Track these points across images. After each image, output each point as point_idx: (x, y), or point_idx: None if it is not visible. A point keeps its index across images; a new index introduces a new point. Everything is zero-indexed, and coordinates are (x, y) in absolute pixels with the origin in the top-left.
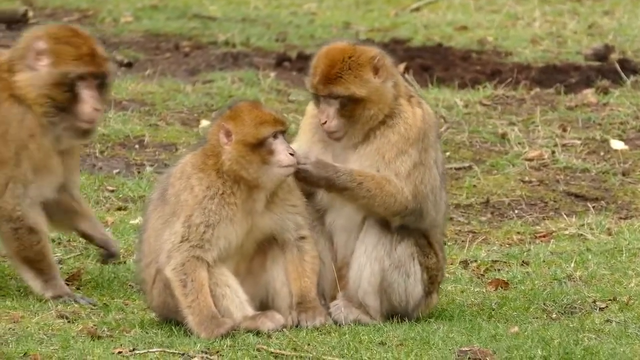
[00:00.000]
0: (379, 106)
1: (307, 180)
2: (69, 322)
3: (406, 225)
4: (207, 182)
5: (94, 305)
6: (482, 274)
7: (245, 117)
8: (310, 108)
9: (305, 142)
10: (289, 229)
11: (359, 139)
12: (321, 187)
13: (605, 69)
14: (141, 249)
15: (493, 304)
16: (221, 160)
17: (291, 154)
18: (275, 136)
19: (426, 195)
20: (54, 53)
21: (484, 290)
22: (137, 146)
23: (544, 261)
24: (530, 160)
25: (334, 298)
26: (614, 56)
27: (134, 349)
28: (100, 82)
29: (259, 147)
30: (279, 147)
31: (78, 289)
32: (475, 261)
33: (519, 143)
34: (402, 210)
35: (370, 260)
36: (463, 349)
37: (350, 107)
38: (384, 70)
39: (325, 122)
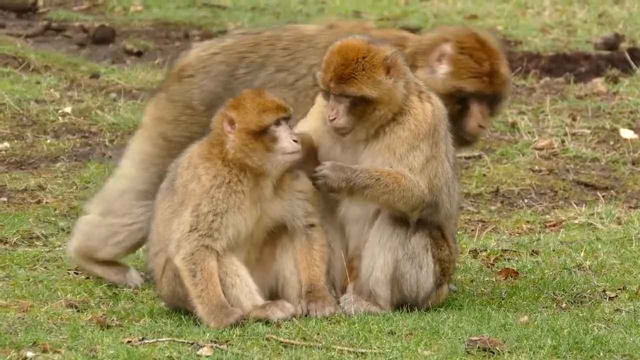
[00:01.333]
0: (389, 106)
1: (328, 186)
2: (78, 311)
3: (422, 218)
4: (214, 171)
5: None
6: (491, 263)
7: (248, 105)
8: (321, 98)
9: (313, 130)
10: (298, 215)
11: (365, 137)
12: (343, 191)
13: (615, 58)
14: (150, 238)
15: (503, 293)
16: (226, 148)
17: (295, 141)
18: (278, 123)
19: (440, 188)
20: (455, 63)
21: (494, 280)
22: None
23: (553, 250)
24: (540, 149)
25: (344, 288)
26: (624, 45)
27: (143, 339)
28: (493, 101)
29: (262, 135)
30: (283, 134)
31: (87, 278)
32: (485, 250)
33: (529, 132)
34: (419, 204)
35: (385, 250)
36: (473, 339)
37: (361, 106)
38: (396, 70)
39: (334, 118)
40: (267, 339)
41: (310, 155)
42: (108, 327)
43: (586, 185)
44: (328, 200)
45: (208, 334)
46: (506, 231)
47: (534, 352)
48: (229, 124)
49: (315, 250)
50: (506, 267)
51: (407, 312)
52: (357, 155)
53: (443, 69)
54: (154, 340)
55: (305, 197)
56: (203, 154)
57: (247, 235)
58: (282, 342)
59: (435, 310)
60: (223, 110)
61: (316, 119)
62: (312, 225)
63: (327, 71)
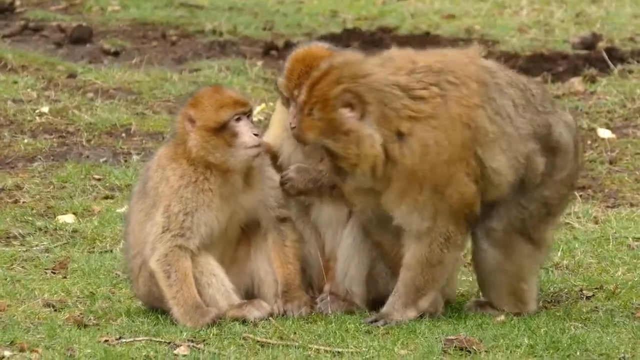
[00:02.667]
0: None
1: (295, 188)
2: (55, 310)
3: None
4: (180, 171)
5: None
6: (468, 263)
7: (206, 102)
8: (280, 104)
9: (274, 137)
10: (271, 205)
11: None
12: (311, 192)
13: (592, 57)
14: (127, 241)
15: (479, 293)
16: (188, 147)
17: (255, 134)
18: (237, 118)
19: None
20: None
21: (470, 279)
22: (124, 135)
23: None
24: None
25: (321, 289)
26: (602, 45)
27: (120, 338)
28: None
29: (222, 131)
30: (243, 128)
31: (65, 277)
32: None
33: None
34: None
35: (359, 249)
36: (449, 338)
37: None
38: None
39: (295, 127)
40: (244, 339)
41: (272, 163)
42: (85, 326)
43: None
44: (301, 203)
45: (185, 333)
46: None
47: (510, 351)
48: (189, 123)
49: (287, 247)
50: None
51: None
52: (318, 160)
53: None
54: (131, 339)
55: (275, 185)
56: (169, 155)
57: (220, 232)
58: (259, 341)
59: None
60: (183, 109)
61: (277, 126)
62: (284, 220)
63: (290, 78)
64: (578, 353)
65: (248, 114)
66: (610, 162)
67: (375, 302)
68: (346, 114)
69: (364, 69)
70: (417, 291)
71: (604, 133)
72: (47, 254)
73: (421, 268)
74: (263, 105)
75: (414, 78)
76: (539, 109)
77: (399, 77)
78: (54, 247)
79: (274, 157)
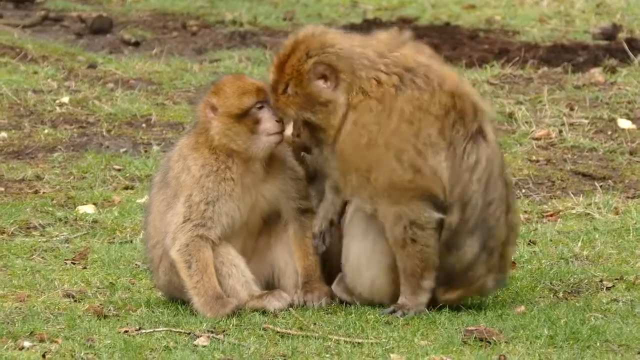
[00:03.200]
0: None
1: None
2: (75, 301)
3: None
4: (202, 161)
5: None
6: None
7: (228, 89)
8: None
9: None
10: (292, 196)
11: None
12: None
13: (612, 48)
14: (147, 231)
15: None
16: (210, 135)
17: (277, 121)
18: (260, 106)
19: None
20: None
21: None
22: (144, 125)
23: (551, 240)
24: (538, 139)
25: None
26: (622, 35)
27: (140, 328)
28: None
29: (244, 117)
30: (265, 115)
31: (85, 268)
32: None
33: (527, 122)
34: None
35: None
36: (469, 329)
37: None
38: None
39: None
40: (264, 329)
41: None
42: (105, 317)
43: (584, 175)
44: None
45: (205, 324)
46: None
47: (530, 342)
48: (211, 110)
49: (308, 238)
50: None
51: None
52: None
53: None
54: (151, 330)
55: (297, 176)
56: (191, 145)
57: (242, 222)
58: (278, 332)
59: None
60: (205, 98)
61: None
62: (305, 211)
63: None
64: (598, 344)
65: (270, 102)
66: (631, 153)
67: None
68: (321, 85)
69: (330, 40)
70: (413, 275)
71: (624, 124)
72: (67, 245)
73: (398, 251)
74: None
75: (381, 60)
76: None
77: (367, 51)
78: (74, 237)
79: (294, 148)
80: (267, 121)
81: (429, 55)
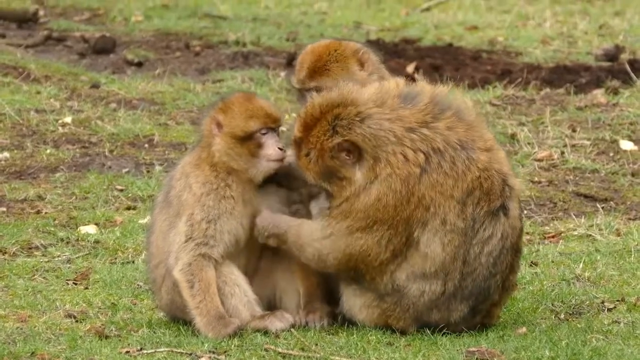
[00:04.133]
0: None
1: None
2: (76, 321)
3: None
4: (202, 178)
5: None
6: None
7: (236, 109)
8: None
9: None
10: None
11: None
12: None
13: (615, 69)
14: (150, 251)
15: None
16: (212, 151)
17: (280, 149)
18: (265, 131)
19: None
20: None
21: None
22: (146, 145)
23: (552, 261)
24: (540, 160)
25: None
26: (624, 56)
27: (141, 349)
28: None
29: (248, 140)
30: (269, 141)
31: (86, 288)
32: None
33: (529, 143)
34: None
35: None
36: (471, 350)
37: None
38: (370, 64)
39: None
40: (266, 350)
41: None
42: (106, 337)
43: (585, 196)
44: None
45: (206, 345)
46: None
47: None
48: (216, 127)
49: None
50: None
51: None
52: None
53: None
54: (153, 350)
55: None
56: (193, 162)
57: (245, 241)
58: (280, 352)
59: None
60: (212, 113)
61: None
62: None
63: (301, 69)
64: None
65: (276, 128)
66: (633, 175)
67: None
68: (343, 157)
69: (360, 110)
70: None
71: (626, 145)
72: (68, 265)
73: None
74: (286, 116)
75: (409, 136)
76: None
77: (396, 126)
78: (76, 257)
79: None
80: (270, 147)
81: (466, 127)
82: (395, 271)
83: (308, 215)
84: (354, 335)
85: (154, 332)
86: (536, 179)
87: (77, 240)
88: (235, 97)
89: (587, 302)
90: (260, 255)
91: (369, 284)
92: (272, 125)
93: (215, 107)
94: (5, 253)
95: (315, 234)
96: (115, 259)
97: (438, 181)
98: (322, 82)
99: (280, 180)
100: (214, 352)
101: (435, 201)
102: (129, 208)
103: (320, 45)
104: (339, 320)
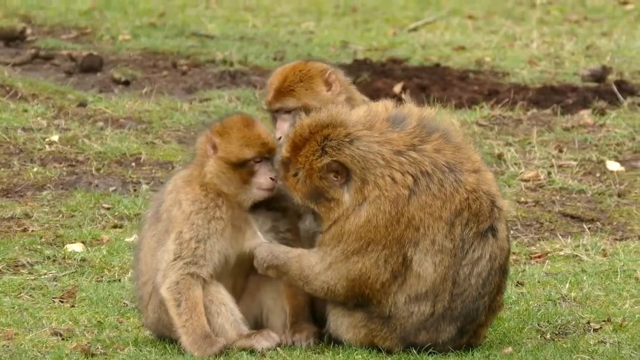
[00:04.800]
0: None
1: None
2: (62, 339)
3: None
4: (192, 196)
5: None
6: None
7: (233, 134)
8: None
9: None
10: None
11: None
12: None
13: (602, 90)
14: (137, 268)
15: None
16: (204, 171)
17: (272, 179)
18: (259, 159)
19: None
20: None
21: None
22: (133, 164)
23: (538, 282)
24: (526, 180)
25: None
26: (611, 77)
27: None
28: None
29: (241, 167)
30: (261, 169)
31: (73, 306)
32: None
33: (515, 163)
34: None
35: None
36: None
37: None
38: (337, 85)
39: (280, 137)
40: None
41: None
42: (92, 355)
43: (572, 217)
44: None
45: None
46: None
47: None
48: (211, 148)
49: None
50: None
51: None
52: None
53: None
54: None
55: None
56: (185, 177)
57: (236, 260)
58: None
59: None
60: (209, 133)
61: None
62: None
63: (269, 91)
64: None
65: (270, 157)
66: (619, 195)
67: None
68: (331, 178)
69: (349, 132)
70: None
71: (612, 166)
72: (55, 283)
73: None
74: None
75: (397, 159)
76: None
77: (384, 149)
78: (62, 275)
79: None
80: (262, 176)
81: (454, 149)
82: (397, 292)
83: (296, 242)
84: (340, 355)
85: (140, 350)
86: (522, 199)
87: (64, 258)
88: (234, 120)
89: (573, 322)
90: (248, 274)
91: (375, 307)
92: (267, 155)
93: (212, 128)
94: None
95: (316, 267)
96: (102, 277)
97: (427, 203)
98: (287, 103)
99: (271, 202)
100: None
101: (425, 222)
102: (115, 226)
103: (288, 66)
104: (325, 340)
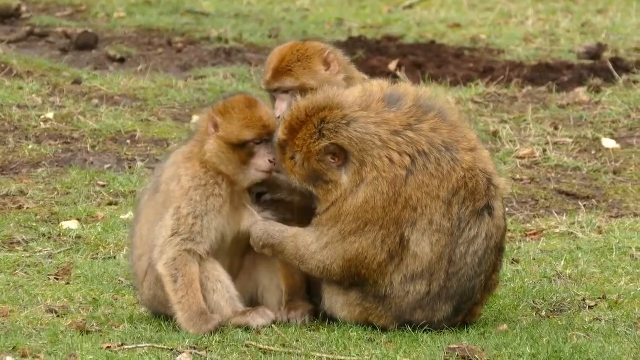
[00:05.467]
0: None
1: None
2: (57, 316)
3: None
4: (192, 172)
5: None
6: None
7: (235, 115)
8: None
9: None
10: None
11: None
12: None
13: (597, 67)
14: (133, 241)
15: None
16: (203, 149)
17: (270, 161)
18: (259, 140)
19: None
20: None
21: None
22: (128, 141)
23: (533, 259)
24: (522, 158)
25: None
26: (607, 54)
27: (122, 344)
28: None
29: (240, 148)
30: (260, 151)
31: (68, 283)
32: None
33: (510, 141)
34: None
35: None
36: (452, 347)
37: None
38: (335, 64)
39: (279, 116)
40: (247, 346)
41: None
42: (87, 332)
43: (567, 194)
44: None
45: (187, 340)
46: None
47: None
48: (212, 127)
49: None
50: None
51: None
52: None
53: None
54: (133, 345)
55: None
56: (186, 153)
57: (233, 238)
58: (261, 348)
59: None
60: (211, 111)
61: None
62: None
63: (267, 71)
64: None
65: (270, 138)
66: (614, 172)
67: None
68: (328, 160)
69: (345, 113)
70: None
71: (608, 143)
72: (50, 260)
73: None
74: None
75: (394, 139)
76: None
77: (381, 129)
78: (57, 252)
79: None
80: (261, 158)
81: (449, 128)
82: (393, 272)
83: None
84: (335, 332)
85: (135, 327)
86: (518, 176)
87: (59, 235)
88: (236, 100)
89: (568, 300)
90: (244, 252)
91: (371, 287)
92: (267, 136)
93: (215, 106)
94: None
95: (312, 246)
96: (97, 254)
97: (424, 182)
98: (285, 82)
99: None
100: (194, 348)
101: (422, 201)
102: (110, 203)
103: (286, 46)
104: (320, 317)
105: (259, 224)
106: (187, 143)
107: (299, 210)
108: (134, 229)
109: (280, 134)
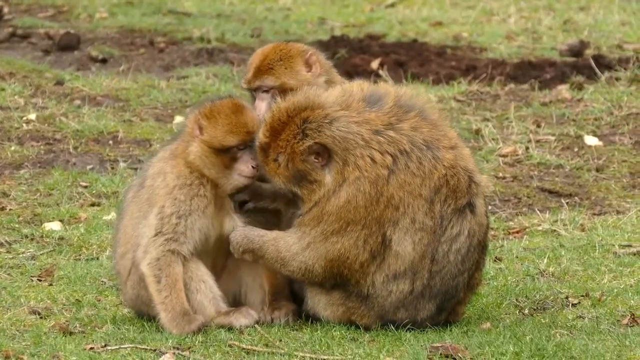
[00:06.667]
0: None
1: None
2: (41, 318)
3: None
4: (178, 171)
5: None
6: None
7: (220, 120)
8: None
9: None
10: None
11: None
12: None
13: (579, 64)
14: (117, 239)
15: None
16: (188, 150)
17: (253, 167)
18: (242, 146)
19: None
20: None
21: None
22: (111, 142)
23: (516, 257)
24: (504, 156)
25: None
26: (589, 52)
27: (105, 345)
28: None
29: (223, 153)
30: (244, 156)
31: (51, 284)
32: None
33: (493, 139)
34: None
35: None
36: (435, 345)
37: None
38: (317, 66)
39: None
40: (230, 346)
41: None
42: (71, 333)
43: (550, 192)
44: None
45: (170, 341)
46: None
47: (496, 359)
48: (198, 129)
49: None
50: None
51: None
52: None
53: None
54: (117, 347)
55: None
56: (172, 151)
57: (216, 239)
58: (244, 348)
59: None
60: (198, 113)
61: None
62: None
63: (249, 70)
64: None
65: (254, 144)
66: (597, 170)
67: None
68: (312, 160)
69: (328, 113)
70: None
71: (590, 140)
72: (33, 261)
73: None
74: None
75: (376, 139)
76: None
77: (363, 129)
78: (40, 254)
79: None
80: (244, 164)
81: (430, 126)
82: (375, 272)
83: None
84: (318, 331)
85: (118, 328)
86: (500, 174)
87: (42, 236)
88: (223, 105)
89: (552, 298)
90: (228, 253)
91: (354, 287)
92: (251, 142)
93: (202, 109)
94: None
95: (294, 247)
96: (80, 255)
97: (406, 181)
98: (266, 81)
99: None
100: (178, 349)
101: (404, 200)
102: (93, 204)
103: (269, 46)
104: (303, 317)
105: (239, 230)
106: (174, 142)
107: (281, 218)
108: (118, 226)
109: (261, 136)
